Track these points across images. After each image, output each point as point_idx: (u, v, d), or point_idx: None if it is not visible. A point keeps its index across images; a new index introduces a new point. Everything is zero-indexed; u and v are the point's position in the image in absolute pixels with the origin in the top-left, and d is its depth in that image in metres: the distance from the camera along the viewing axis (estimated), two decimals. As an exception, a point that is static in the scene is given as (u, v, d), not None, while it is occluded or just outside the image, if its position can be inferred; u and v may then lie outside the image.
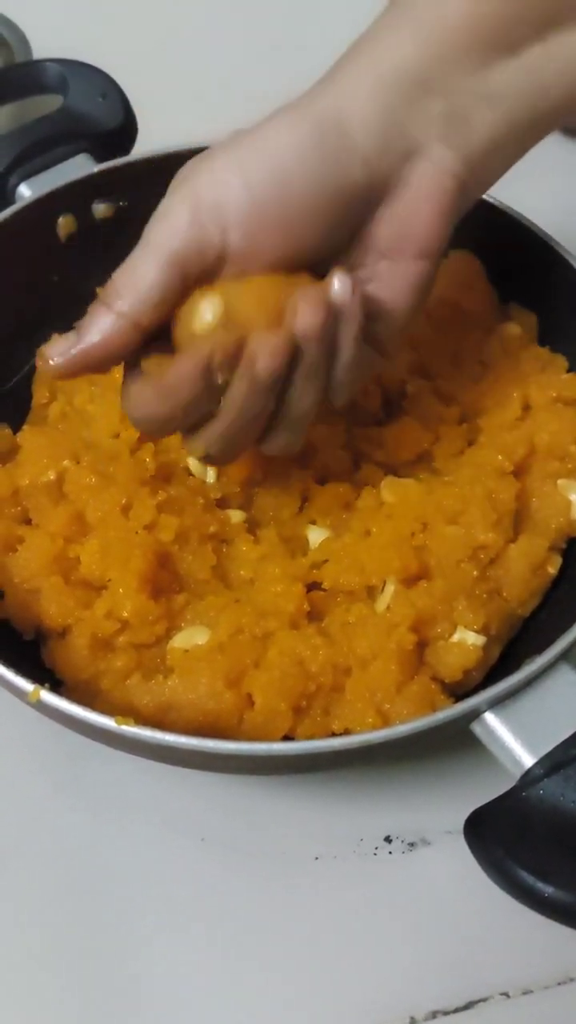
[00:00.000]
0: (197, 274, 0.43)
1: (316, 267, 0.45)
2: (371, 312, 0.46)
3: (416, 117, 0.43)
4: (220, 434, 0.46)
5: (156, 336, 0.45)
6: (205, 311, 0.43)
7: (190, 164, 0.44)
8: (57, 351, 0.44)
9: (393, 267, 0.46)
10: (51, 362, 0.44)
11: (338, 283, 0.44)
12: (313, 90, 0.44)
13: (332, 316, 0.44)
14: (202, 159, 0.44)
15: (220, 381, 0.44)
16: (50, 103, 0.66)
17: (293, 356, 0.44)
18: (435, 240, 0.45)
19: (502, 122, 0.44)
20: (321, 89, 0.44)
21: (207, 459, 0.49)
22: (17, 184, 0.63)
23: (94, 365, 0.44)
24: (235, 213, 0.42)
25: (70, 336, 0.44)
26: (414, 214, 0.45)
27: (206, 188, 0.42)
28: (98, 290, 0.44)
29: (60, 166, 0.63)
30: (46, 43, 0.76)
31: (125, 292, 0.43)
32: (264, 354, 0.43)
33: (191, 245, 0.42)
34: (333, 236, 0.45)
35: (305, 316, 0.43)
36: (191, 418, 0.46)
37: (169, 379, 0.44)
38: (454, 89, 0.43)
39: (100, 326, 0.43)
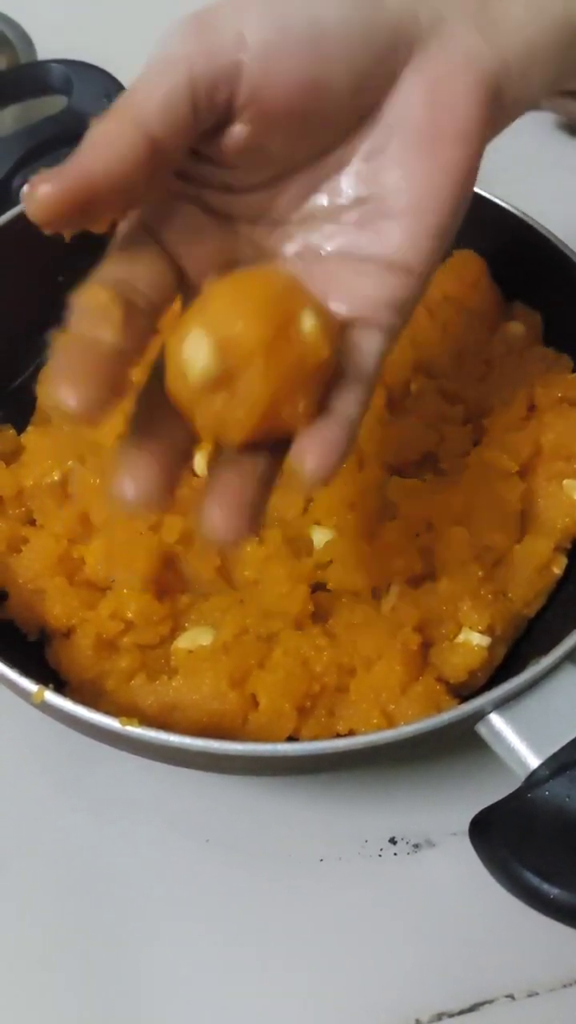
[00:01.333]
0: (207, 85, 0.35)
1: (332, 142, 0.39)
2: (389, 210, 0.38)
3: None
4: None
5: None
6: (195, 356, 0.34)
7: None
8: (51, 175, 0.34)
9: (423, 155, 0.38)
10: (43, 190, 0.33)
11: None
12: None
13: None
14: None
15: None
16: (55, 104, 0.67)
17: None
18: (475, 122, 0.38)
19: (538, 26, 0.40)
20: None
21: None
22: (22, 185, 0.63)
23: (100, 189, 0.34)
24: (258, 36, 0.36)
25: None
26: (448, 83, 0.38)
27: (217, 12, 0.36)
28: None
29: (64, 167, 0.63)
30: (50, 44, 0.76)
31: (127, 99, 0.35)
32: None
33: (200, 53, 0.35)
34: (358, 92, 0.38)
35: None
36: None
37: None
38: None
39: (100, 132, 0.34)
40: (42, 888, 0.51)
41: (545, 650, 0.47)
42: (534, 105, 0.42)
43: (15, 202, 0.62)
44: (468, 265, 0.62)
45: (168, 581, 0.52)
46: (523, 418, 0.57)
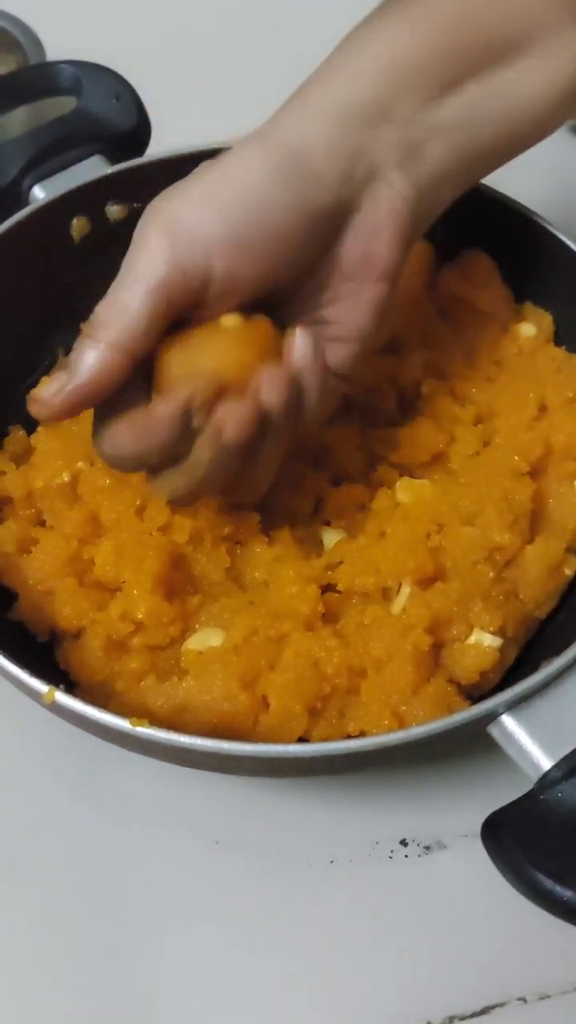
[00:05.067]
0: (183, 301, 0.43)
1: (287, 289, 0.46)
2: (330, 336, 0.47)
3: (376, 144, 0.45)
4: (186, 480, 0.46)
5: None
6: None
7: (159, 199, 0.44)
8: (50, 393, 0.43)
9: (356, 288, 0.47)
10: (45, 405, 0.43)
11: (299, 345, 0.45)
12: (271, 122, 0.46)
13: (296, 386, 0.45)
14: (171, 193, 0.44)
15: (197, 425, 0.44)
16: (64, 105, 0.66)
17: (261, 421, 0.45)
18: (394, 262, 0.47)
19: (450, 152, 0.47)
20: (279, 121, 0.46)
21: (173, 501, 0.49)
22: (31, 186, 0.63)
23: (89, 400, 0.44)
24: (216, 242, 0.43)
25: (60, 375, 0.43)
26: (375, 235, 0.46)
27: (182, 220, 0.43)
28: (82, 326, 0.44)
29: (74, 168, 0.63)
30: (60, 45, 0.76)
31: (111, 323, 0.43)
32: (232, 425, 0.44)
33: (175, 273, 0.42)
34: (304, 258, 0.45)
35: (271, 394, 0.44)
36: (163, 460, 0.46)
37: (149, 420, 0.44)
38: (408, 120, 0.46)
39: (90, 360, 0.43)
40: (52, 888, 0.51)
41: (557, 651, 0.46)
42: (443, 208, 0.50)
43: (25, 203, 0.62)
44: (479, 266, 0.62)
45: (178, 582, 0.52)
46: (534, 419, 0.56)
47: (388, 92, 0.46)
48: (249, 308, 0.46)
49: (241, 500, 0.51)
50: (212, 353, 0.44)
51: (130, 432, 0.44)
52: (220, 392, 0.44)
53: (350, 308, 0.47)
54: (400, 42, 0.47)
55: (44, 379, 0.44)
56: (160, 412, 0.44)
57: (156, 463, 0.46)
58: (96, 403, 0.44)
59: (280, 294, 0.46)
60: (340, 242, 0.46)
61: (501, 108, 0.48)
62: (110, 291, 0.43)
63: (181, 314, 0.44)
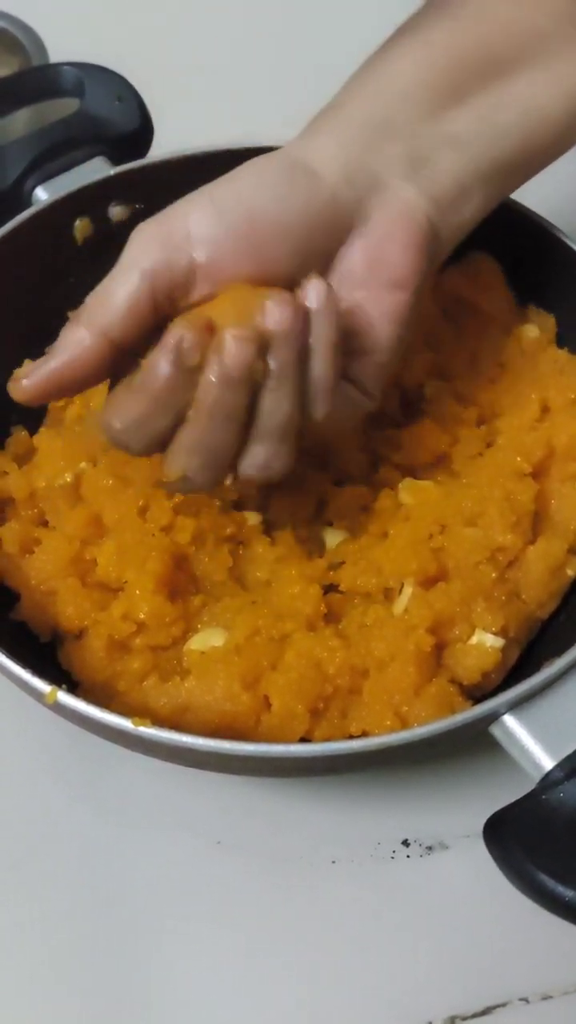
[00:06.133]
0: (166, 289, 0.43)
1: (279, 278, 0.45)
2: (350, 348, 0.46)
3: (377, 157, 0.46)
4: (195, 441, 0.44)
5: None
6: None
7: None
8: (29, 372, 0.44)
9: (371, 298, 0.46)
10: (23, 384, 0.44)
11: (311, 286, 0.43)
12: (282, 148, 0.47)
13: (304, 318, 0.43)
14: (176, 203, 0.45)
15: (192, 363, 0.43)
16: (67, 106, 0.66)
17: (264, 357, 0.43)
18: (410, 270, 0.46)
19: (466, 166, 0.47)
20: (289, 145, 0.47)
21: (187, 483, 0.46)
22: (34, 187, 0.63)
23: (68, 384, 0.44)
24: (204, 233, 0.43)
25: (42, 359, 0.44)
26: (386, 242, 0.46)
27: (178, 218, 0.44)
28: (69, 314, 0.45)
29: (77, 169, 0.63)
30: (62, 47, 0.76)
31: (95, 308, 0.43)
32: (232, 345, 0.42)
33: (160, 261, 0.43)
34: (304, 263, 0.45)
35: (274, 313, 0.42)
36: (167, 419, 0.44)
37: (143, 370, 0.43)
38: (413, 134, 0.46)
39: (70, 341, 0.43)
40: (54, 888, 0.51)
41: (559, 652, 0.46)
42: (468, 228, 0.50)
43: (27, 204, 0.63)
44: (482, 268, 0.62)
45: (180, 582, 0.52)
46: (536, 420, 0.56)
47: (389, 108, 0.46)
48: None
49: (257, 472, 0.46)
50: (205, 308, 0.44)
51: (128, 392, 0.44)
52: (210, 329, 0.43)
53: (366, 316, 0.47)
54: (403, 62, 0.48)
55: (27, 361, 0.44)
56: (151, 358, 0.43)
57: (162, 427, 0.44)
58: (75, 388, 0.44)
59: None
60: (349, 249, 0.46)
61: (515, 120, 0.48)
62: (102, 282, 0.44)
63: (167, 313, 0.44)
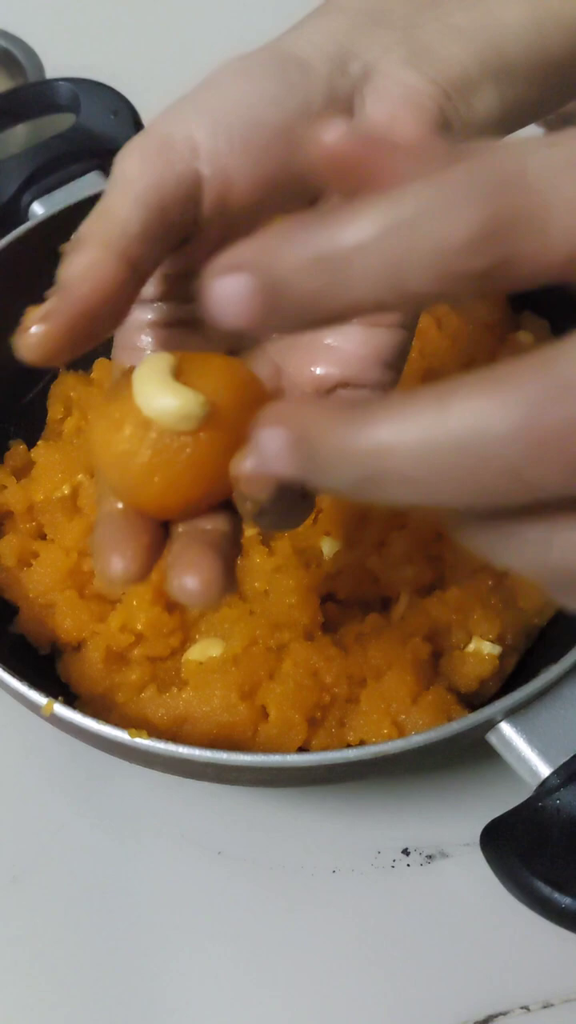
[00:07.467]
0: (179, 207, 0.37)
1: (301, 197, 0.41)
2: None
3: (373, 45, 0.42)
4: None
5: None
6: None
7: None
8: (42, 314, 0.34)
9: None
10: (37, 332, 0.34)
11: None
12: (267, 44, 0.43)
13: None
14: (162, 112, 0.40)
15: None
16: (63, 122, 0.67)
17: None
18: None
19: (471, 56, 0.42)
20: (275, 40, 0.43)
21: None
22: (31, 202, 0.63)
23: (92, 325, 0.34)
24: (204, 140, 0.38)
25: (52, 299, 0.34)
26: (390, 120, 0.41)
27: (172, 124, 0.38)
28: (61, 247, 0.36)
29: (73, 184, 0.64)
30: (58, 62, 0.76)
31: (97, 227, 0.36)
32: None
33: (167, 175, 0.37)
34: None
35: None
36: None
37: None
38: (411, 23, 0.42)
39: (79, 265, 0.34)
40: (54, 901, 0.51)
41: (555, 659, 0.46)
42: (484, 132, 0.44)
43: (24, 219, 0.63)
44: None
45: (178, 593, 0.52)
46: (532, 427, 0.57)
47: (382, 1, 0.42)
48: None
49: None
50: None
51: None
52: None
53: None
54: None
55: (30, 308, 0.34)
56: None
57: None
58: (98, 329, 0.35)
59: (294, 195, 0.40)
60: None
61: (521, 16, 0.43)
62: (98, 204, 0.37)
63: (179, 236, 0.38)
